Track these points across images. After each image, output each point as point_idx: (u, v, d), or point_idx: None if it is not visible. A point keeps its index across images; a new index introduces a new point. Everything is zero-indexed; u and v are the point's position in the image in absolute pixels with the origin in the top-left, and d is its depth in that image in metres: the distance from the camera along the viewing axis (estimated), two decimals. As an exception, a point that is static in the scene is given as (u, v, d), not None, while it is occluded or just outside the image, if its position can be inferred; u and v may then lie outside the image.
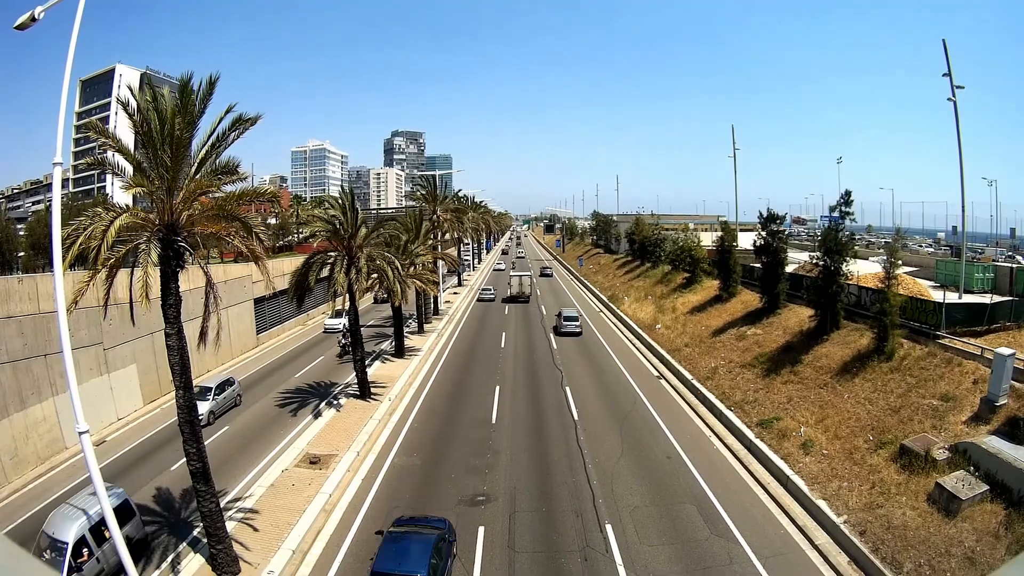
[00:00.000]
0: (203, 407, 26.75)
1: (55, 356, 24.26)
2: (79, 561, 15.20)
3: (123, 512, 16.68)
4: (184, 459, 16.43)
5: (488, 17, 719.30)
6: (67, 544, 15.03)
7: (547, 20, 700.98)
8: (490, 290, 68.70)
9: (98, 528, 15.85)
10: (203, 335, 16.50)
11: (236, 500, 20.52)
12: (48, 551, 15.10)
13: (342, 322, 47.07)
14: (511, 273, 68.12)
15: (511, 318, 56.49)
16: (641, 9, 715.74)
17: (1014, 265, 37.40)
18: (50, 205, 16.11)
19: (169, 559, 17.21)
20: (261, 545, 17.53)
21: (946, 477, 17.27)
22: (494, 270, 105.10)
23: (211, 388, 29.08)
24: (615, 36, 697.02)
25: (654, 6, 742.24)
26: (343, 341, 41.54)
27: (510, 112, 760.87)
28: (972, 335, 24.86)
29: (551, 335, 47.54)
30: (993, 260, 49.42)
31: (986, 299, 28.16)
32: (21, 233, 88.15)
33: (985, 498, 16.38)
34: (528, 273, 70.49)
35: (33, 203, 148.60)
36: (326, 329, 50.93)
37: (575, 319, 49.04)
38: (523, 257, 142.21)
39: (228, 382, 31.02)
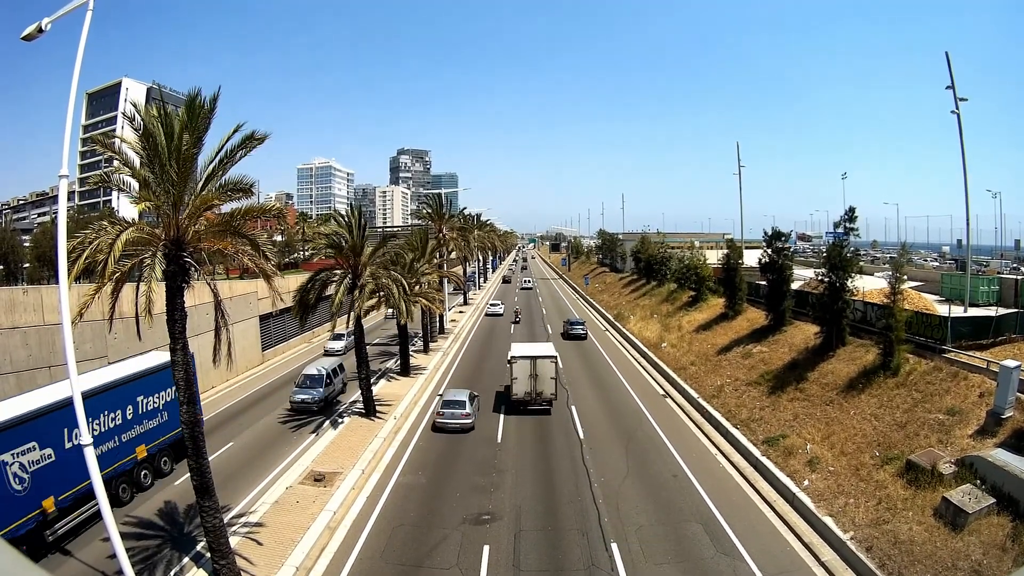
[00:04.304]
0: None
1: (59, 368, 24.24)
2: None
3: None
4: (188, 474, 16.44)
5: (494, 35, 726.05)
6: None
7: (552, 39, 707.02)
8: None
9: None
10: (216, 353, 16.56)
11: (240, 516, 20.47)
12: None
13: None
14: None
15: (517, 338, 56.36)
16: (645, 26, 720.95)
17: (1019, 277, 37.32)
18: (56, 217, 16.29)
19: (172, 573, 17.15)
20: (265, 561, 17.46)
21: (952, 491, 17.12)
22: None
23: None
24: (621, 53, 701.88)
25: (658, 23, 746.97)
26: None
27: (516, 131, 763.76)
28: (978, 348, 24.78)
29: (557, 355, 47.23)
30: (998, 273, 49.27)
31: (991, 312, 28.09)
32: (26, 244, 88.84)
33: (992, 511, 16.25)
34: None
35: (39, 215, 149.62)
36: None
37: None
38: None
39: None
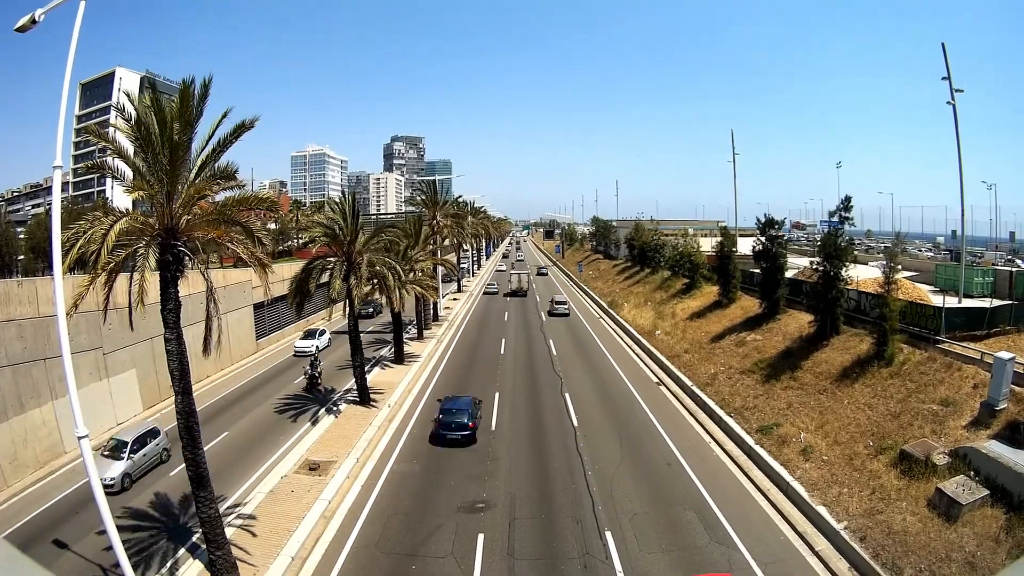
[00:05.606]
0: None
1: (54, 360, 24.13)
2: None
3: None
4: (183, 465, 16.38)
5: (488, 22, 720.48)
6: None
7: (547, 25, 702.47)
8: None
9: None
10: (206, 342, 16.49)
11: (235, 506, 20.48)
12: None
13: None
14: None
15: (511, 324, 56.58)
16: (641, 13, 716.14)
17: (1013, 269, 37.45)
18: (50, 208, 16.14)
19: (168, 564, 17.13)
20: (260, 551, 17.48)
21: (946, 482, 17.23)
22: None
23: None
24: (615, 40, 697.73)
25: (654, 9, 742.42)
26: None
27: (510, 118, 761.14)
28: (972, 339, 24.86)
29: (551, 341, 47.46)
30: (992, 264, 49.45)
31: (986, 303, 28.14)
32: (21, 236, 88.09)
33: (985, 503, 16.35)
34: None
35: (33, 206, 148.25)
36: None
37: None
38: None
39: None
